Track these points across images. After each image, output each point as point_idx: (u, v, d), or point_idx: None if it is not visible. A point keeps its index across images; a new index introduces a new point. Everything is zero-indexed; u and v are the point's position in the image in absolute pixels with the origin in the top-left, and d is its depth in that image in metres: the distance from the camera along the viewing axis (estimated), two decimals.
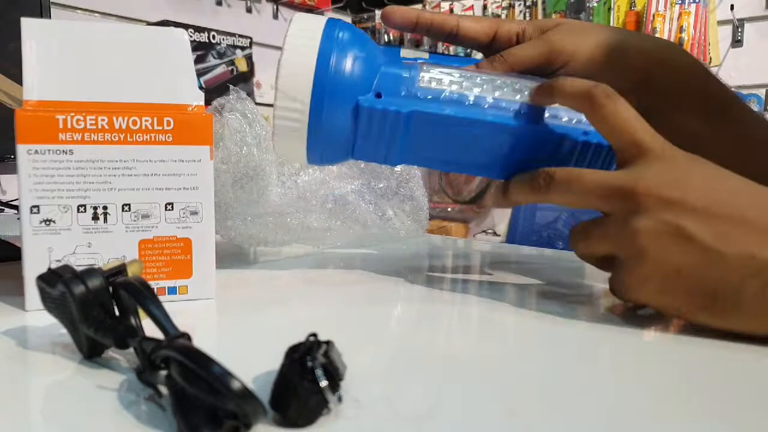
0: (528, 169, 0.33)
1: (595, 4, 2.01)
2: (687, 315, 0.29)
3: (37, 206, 0.32)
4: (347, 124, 0.33)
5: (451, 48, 1.91)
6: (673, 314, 0.30)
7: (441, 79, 0.33)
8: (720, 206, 0.29)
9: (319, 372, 0.19)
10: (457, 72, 0.34)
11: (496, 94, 0.33)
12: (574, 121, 0.35)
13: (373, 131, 0.32)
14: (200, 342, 0.21)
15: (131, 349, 0.23)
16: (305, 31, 0.32)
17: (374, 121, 0.32)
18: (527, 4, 2.16)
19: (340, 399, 0.20)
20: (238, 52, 2.03)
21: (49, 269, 0.25)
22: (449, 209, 2.27)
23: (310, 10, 2.38)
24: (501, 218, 2.29)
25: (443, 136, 0.33)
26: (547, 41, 0.39)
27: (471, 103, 0.33)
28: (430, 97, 0.32)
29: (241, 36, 2.04)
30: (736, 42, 1.85)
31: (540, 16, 2.13)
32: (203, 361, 0.18)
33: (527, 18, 2.16)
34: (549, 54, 0.39)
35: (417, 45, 2.35)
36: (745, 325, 0.28)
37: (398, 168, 0.60)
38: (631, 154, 0.31)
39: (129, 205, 0.34)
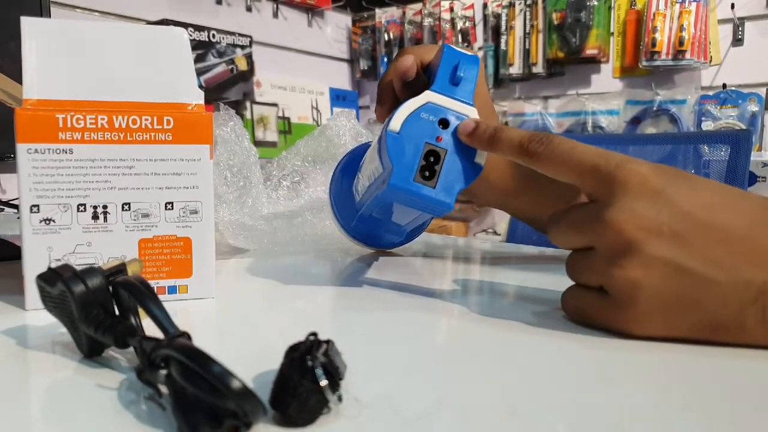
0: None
1: (596, 3, 2.00)
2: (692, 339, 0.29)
3: (37, 205, 0.32)
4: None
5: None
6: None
7: (357, 187, 0.45)
8: (702, 228, 0.28)
9: (319, 371, 0.19)
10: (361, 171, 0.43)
11: (369, 175, 0.39)
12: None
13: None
14: (200, 341, 0.21)
15: (131, 349, 0.23)
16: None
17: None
18: (527, 3, 2.16)
19: (340, 398, 0.20)
20: (238, 51, 2.03)
21: (49, 268, 0.25)
22: None
23: (310, 8, 2.37)
24: (501, 217, 2.29)
25: (380, 216, 0.42)
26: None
27: (365, 195, 0.41)
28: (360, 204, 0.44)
29: (240, 35, 2.04)
30: (737, 41, 1.85)
31: (540, 14, 2.13)
32: (203, 360, 0.18)
33: (527, 17, 2.16)
34: None
35: (417, 42, 2.35)
36: (749, 343, 0.28)
37: None
38: (595, 187, 0.30)
39: (129, 204, 0.34)
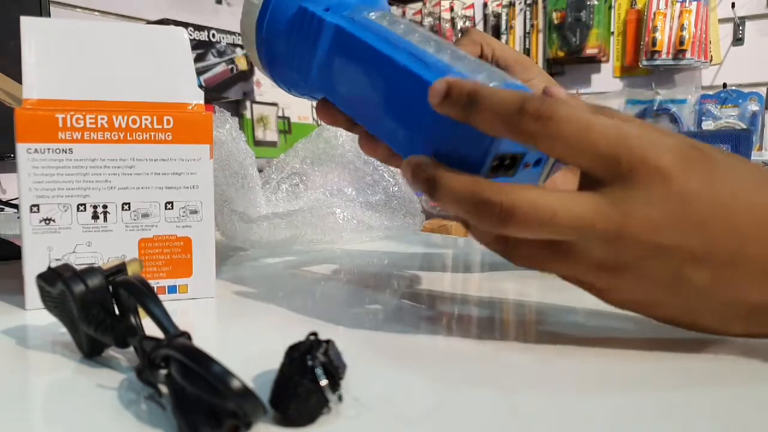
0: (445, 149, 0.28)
1: (596, 3, 2.01)
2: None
3: (37, 205, 0.32)
4: (287, 25, 0.34)
5: None
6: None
7: (388, 19, 0.33)
8: (720, 247, 0.25)
9: (319, 371, 0.19)
10: (411, 25, 0.32)
11: (431, 50, 0.30)
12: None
13: (302, 34, 0.34)
14: (200, 341, 0.21)
15: (131, 348, 0.23)
16: None
17: (304, 23, 0.34)
18: (528, 2, 2.16)
19: (340, 398, 0.20)
20: (238, 50, 2.02)
21: (49, 268, 0.25)
22: None
23: None
24: None
25: (358, 67, 0.32)
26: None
27: (398, 46, 0.30)
28: (364, 24, 0.32)
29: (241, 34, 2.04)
30: (737, 40, 1.85)
31: (540, 14, 2.13)
32: (203, 360, 0.18)
33: (527, 16, 2.16)
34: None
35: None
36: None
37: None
38: (605, 176, 0.25)
39: (129, 204, 0.34)
